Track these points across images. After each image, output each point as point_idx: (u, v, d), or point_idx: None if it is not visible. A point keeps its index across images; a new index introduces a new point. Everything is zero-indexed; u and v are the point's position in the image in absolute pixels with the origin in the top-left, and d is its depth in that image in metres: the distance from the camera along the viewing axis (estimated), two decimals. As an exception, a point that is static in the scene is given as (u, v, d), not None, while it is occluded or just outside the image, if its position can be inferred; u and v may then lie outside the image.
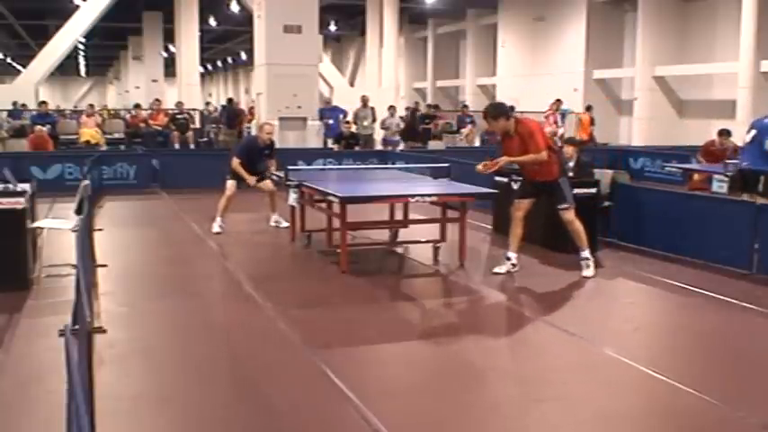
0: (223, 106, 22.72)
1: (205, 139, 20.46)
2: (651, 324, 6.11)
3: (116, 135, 19.49)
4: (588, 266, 7.03)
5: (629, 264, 7.65)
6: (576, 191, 7.28)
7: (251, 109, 21.10)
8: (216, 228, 9.03)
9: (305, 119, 15.91)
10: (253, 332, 5.45)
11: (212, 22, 32.04)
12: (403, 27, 31.56)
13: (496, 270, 7.09)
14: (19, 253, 6.26)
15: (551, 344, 5.29)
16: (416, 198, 7.38)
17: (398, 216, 8.46)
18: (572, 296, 6.71)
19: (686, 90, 22.79)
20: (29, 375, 4.47)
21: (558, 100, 18.85)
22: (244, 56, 44.44)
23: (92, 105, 22.39)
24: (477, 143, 19.74)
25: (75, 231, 5.63)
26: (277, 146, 9.98)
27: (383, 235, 8.53)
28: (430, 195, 7.53)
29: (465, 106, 22.67)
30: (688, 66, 21.88)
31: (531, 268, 7.32)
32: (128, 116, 22.47)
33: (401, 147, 17.54)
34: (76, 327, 2.89)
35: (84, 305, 3.33)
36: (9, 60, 48.61)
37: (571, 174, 7.73)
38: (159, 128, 19.47)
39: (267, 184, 9.32)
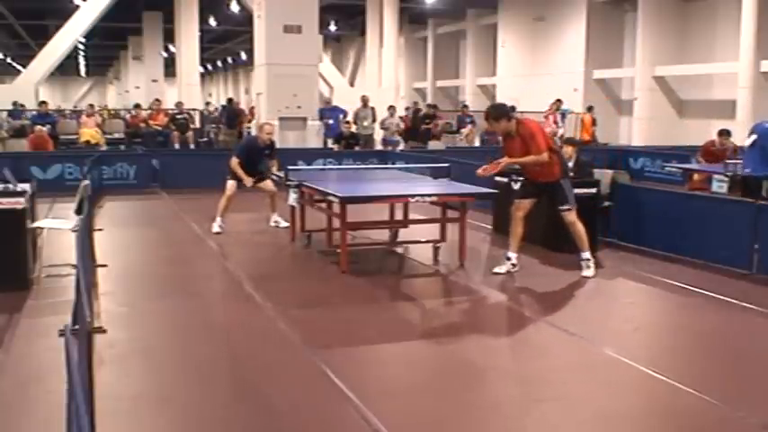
0: (223, 106, 22.71)
1: (205, 139, 20.47)
2: (651, 324, 6.11)
3: (116, 135, 19.50)
4: (588, 267, 7.04)
5: (629, 264, 7.65)
6: (576, 191, 7.27)
7: (251, 109, 21.10)
8: (216, 228, 9.03)
9: (305, 119, 15.90)
10: (253, 332, 5.45)
11: (212, 22, 32.03)
12: (403, 27, 31.55)
13: (496, 270, 7.09)
14: (19, 253, 6.27)
15: (551, 344, 5.29)
16: (416, 198, 7.39)
17: (398, 216, 8.46)
18: (572, 296, 6.71)
19: (686, 90, 22.78)
20: (29, 375, 4.47)
21: (558, 100, 18.88)
22: (244, 56, 44.43)
23: (92, 105, 22.44)
24: (477, 143, 19.73)
25: (75, 231, 5.63)
26: (277, 146, 9.98)
27: (383, 235, 8.53)
28: (430, 195, 7.53)
29: (465, 106, 22.65)
30: (688, 66, 21.88)
31: (531, 268, 7.32)
32: (128, 116, 22.48)
33: (401, 147, 17.54)
34: (76, 327, 2.89)
35: (84, 305, 3.33)
36: (9, 60, 48.60)
37: (571, 174, 7.73)
38: (159, 128, 19.48)
39: (268, 184, 9.31)
